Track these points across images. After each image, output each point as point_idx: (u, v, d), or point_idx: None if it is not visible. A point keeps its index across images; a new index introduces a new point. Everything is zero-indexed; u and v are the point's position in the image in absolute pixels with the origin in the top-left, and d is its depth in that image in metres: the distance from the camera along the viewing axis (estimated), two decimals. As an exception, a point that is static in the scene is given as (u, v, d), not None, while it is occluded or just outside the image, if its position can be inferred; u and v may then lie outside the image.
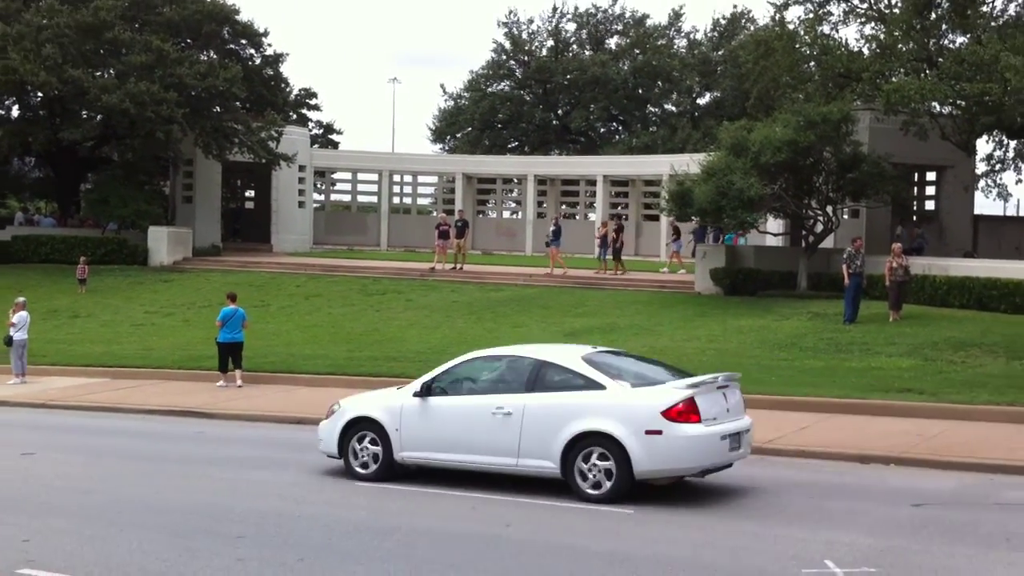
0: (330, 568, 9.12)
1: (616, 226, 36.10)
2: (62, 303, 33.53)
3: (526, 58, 66.43)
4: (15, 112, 44.42)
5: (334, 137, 62.81)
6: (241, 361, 22.21)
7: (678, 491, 12.27)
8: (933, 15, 31.58)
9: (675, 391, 11.74)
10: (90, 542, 9.98)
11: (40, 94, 42.24)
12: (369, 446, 13.13)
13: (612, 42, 68.16)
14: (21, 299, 24.24)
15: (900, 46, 30.80)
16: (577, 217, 51.28)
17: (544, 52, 66.74)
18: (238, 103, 44.55)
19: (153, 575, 8.96)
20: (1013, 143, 33.97)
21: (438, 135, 69.76)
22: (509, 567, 9.20)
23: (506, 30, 66.64)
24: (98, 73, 41.46)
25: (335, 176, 53.01)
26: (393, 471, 12.95)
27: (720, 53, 63.81)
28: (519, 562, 9.34)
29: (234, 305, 22.59)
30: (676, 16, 67.27)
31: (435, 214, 49.42)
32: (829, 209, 30.22)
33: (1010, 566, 9.19)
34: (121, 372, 23.66)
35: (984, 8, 31.73)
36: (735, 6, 78.94)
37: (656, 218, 43.15)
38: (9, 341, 23.24)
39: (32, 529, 10.47)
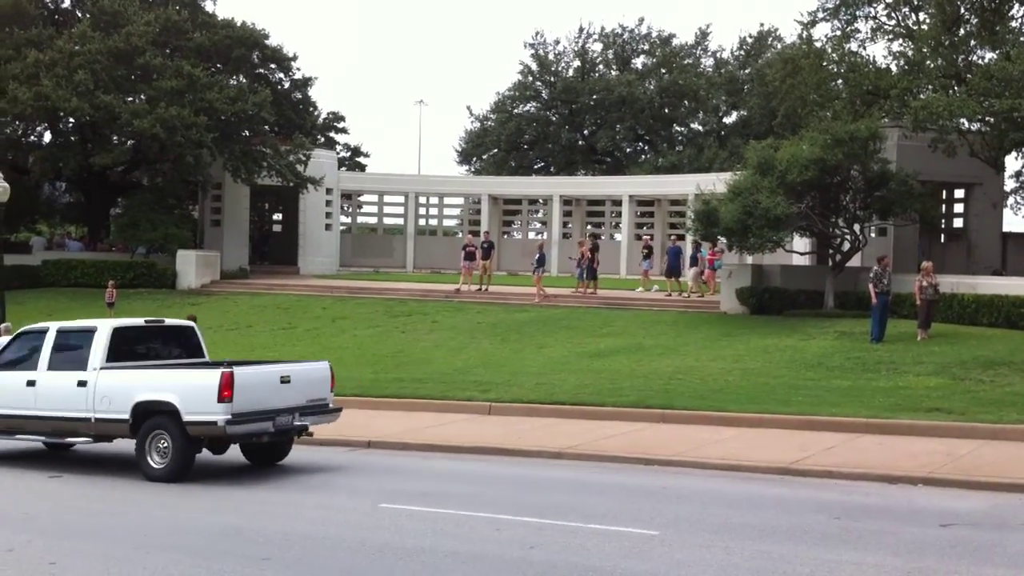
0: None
1: (591, 245, 36.05)
2: (92, 326, 33.74)
3: (552, 79, 66.61)
4: (47, 138, 45.02)
5: (361, 159, 63.26)
6: None
7: (699, 514, 12.20)
8: (961, 31, 31.48)
9: None
10: (116, 564, 10.03)
11: (72, 120, 42.79)
12: None
13: (638, 62, 68.27)
14: (5, 324, 24.49)
15: (928, 63, 30.70)
16: (603, 237, 51.25)
17: (570, 73, 66.92)
18: (267, 127, 44.97)
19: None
20: (1042, 159, 33.76)
21: (464, 157, 70.00)
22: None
23: (532, 51, 66.93)
24: (129, 98, 41.99)
25: (362, 199, 53.31)
26: None
27: (747, 71, 63.77)
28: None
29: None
30: (703, 35, 67.38)
31: (461, 235, 49.56)
32: (856, 227, 30.05)
33: (1039, 588, 9.07)
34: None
35: (1013, 23, 31.60)
36: (762, 24, 79.30)
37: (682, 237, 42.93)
38: None
39: (60, 551, 10.54)
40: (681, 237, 40.17)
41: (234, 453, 16.15)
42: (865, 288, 29.59)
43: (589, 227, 50.87)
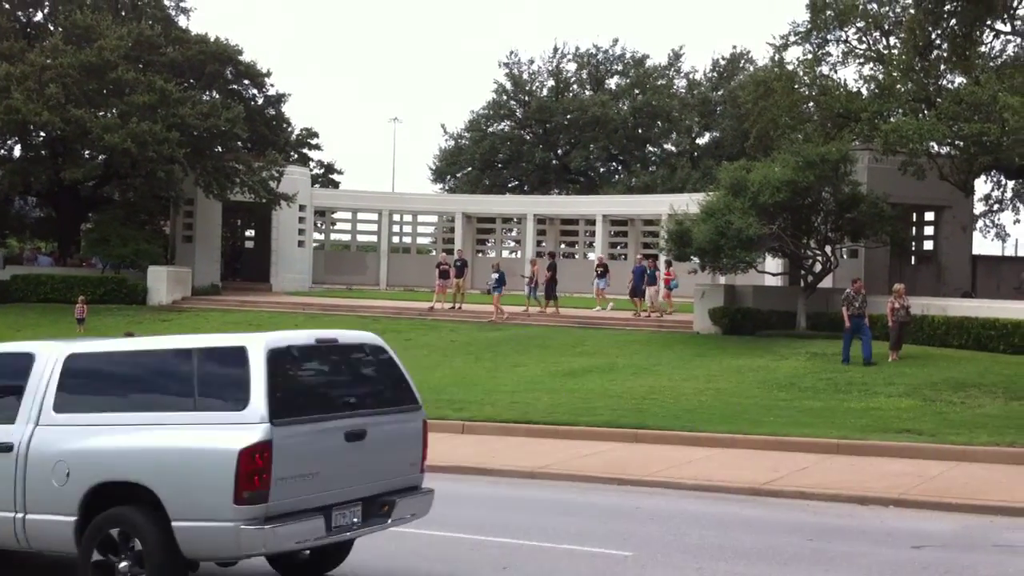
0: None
1: (549, 264, 36.12)
2: (61, 342, 33.45)
3: (527, 98, 66.87)
4: (17, 151, 44.64)
5: (335, 176, 63.12)
6: None
7: (672, 534, 12.20)
8: (932, 55, 31.84)
9: None
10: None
11: (43, 134, 42.47)
12: None
13: (612, 82, 68.63)
14: None
15: (899, 86, 31.03)
16: (576, 256, 51.34)
17: (545, 92, 67.20)
18: (240, 143, 44.81)
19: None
20: (1011, 183, 34.20)
21: (438, 175, 70.04)
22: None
23: (507, 70, 67.18)
24: (101, 113, 41.73)
25: (335, 215, 53.18)
26: None
27: (719, 93, 64.23)
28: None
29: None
30: (676, 56, 67.80)
31: (434, 253, 49.51)
32: (828, 249, 30.27)
33: (1010, 610, 9.12)
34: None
35: (983, 48, 31.99)
36: (734, 46, 79.79)
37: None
38: None
39: None
40: (654, 256, 40.33)
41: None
42: (837, 309, 29.80)
43: (563, 246, 50.96)
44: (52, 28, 46.47)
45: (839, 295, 31.16)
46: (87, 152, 43.22)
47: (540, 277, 35.15)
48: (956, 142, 29.15)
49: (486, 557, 11.05)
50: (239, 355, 8.50)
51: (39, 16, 48.60)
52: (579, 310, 35.76)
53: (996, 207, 35.34)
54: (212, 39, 45.67)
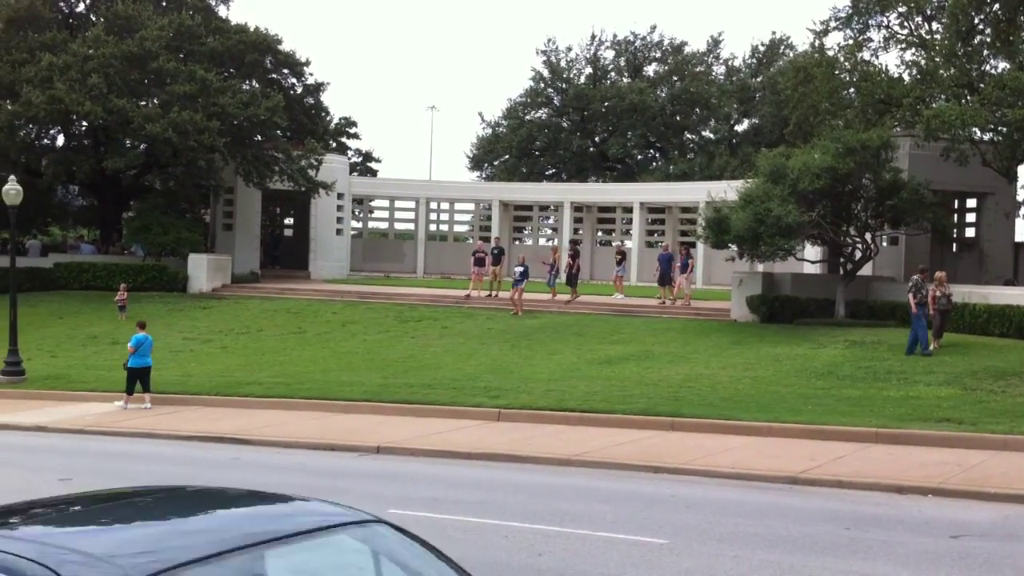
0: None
1: (572, 252, 35.95)
2: (102, 329, 33.92)
3: (564, 85, 66.68)
4: (60, 141, 45.18)
5: (372, 165, 63.39)
6: (149, 384, 23.48)
7: (708, 523, 12.18)
8: (975, 40, 31.41)
9: None
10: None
11: (85, 123, 42.91)
12: None
13: (650, 69, 68.32)
14: None
15: (941, 72, 30.63)
16: (613, 244, 51.19)
17: (582, 80, 66.98)
18: (279, 132, 45.06)
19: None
20: (1055, 169, 33.62)
21: (475, 163, 70.09)
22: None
23: (544, 58, 67.00)
24: (142, 103, 42.12)
25: (373, 204, 53.37)
26: None
27: (759, 80, 63.76)
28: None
29: (144, 332, 23.92)
30: (714, 43, 67.37)
31: (471, 241, 49.57)
32: (868, 236, 29.98)
33: (1049, 600, 9.04)
34: (159, 398, 23.88)
35: (1026, 33, 31.49)
36: (774, 32, 79.16)
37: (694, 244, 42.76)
38: None
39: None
40: (691, 244, 40.14)
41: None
42: (876, 296, 29.59)
43: (600, 233, 50.82)
44: (94, 19, 46.89)
45: (878, 283, 30.95)
46: (129, 141, 43.64)
47: (561, 265, 35.13)
48: (999, 128, 28.79)
49: (521, 543, 11.09)
50: None
51: (81, 7, 49.08)
52: (611, 297, 35.66)
53: (1040, 194, 34.89)
54: (252, 29, 45.90)
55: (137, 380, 23.42)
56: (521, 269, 33.56)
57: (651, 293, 36.27)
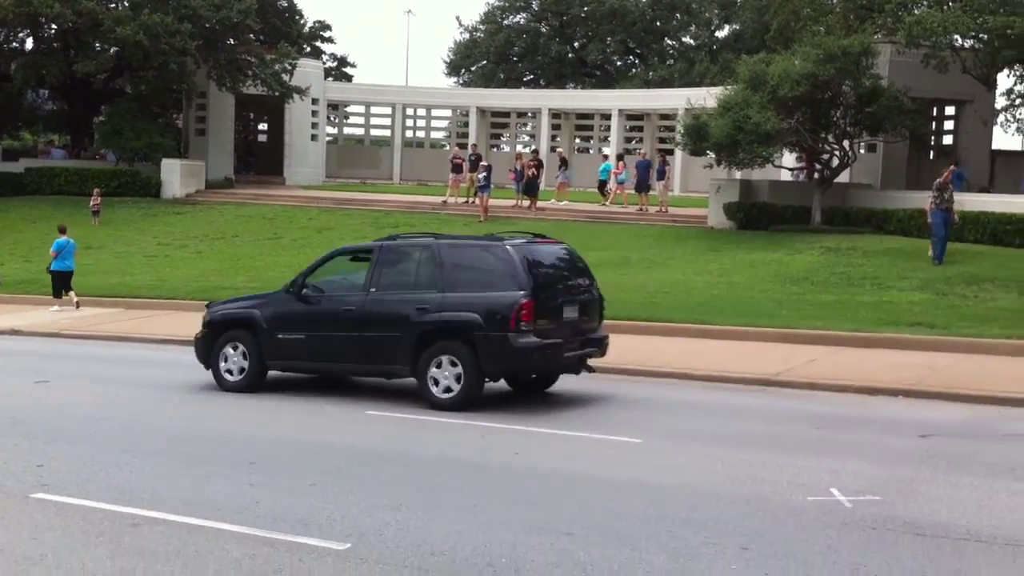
0: (339, 490, 9.19)
1: (535, 161, 35.85)
2: (75, 234, 33.15)
3: (542, -11, 65.65)
4: (29, 44, 44.25)
5: (348, 70, 62.57)
6: (70, 286, 24.11)
7: (682, 423, 12.35)
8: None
9: None
10: (104, 468, 10.06)
11: (54, 26, 42.02)
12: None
13: (630, -27, 67.21)
14: None
15: (923, -23, 30.28)
16: (591, 151, 50.98)
17: (561, -17, 65.91)
18: (252, 35, 44.28)
19: (166, 499, 9.04)
20: (1034, 77, 33.48)
21: (453, 68, 69.27)
22: (523, 492, 9.23)
23: (523, -40, 65.80)
24: (112, 4, 41.21)
25: (348, 110, 52.82)
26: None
27: (740, -16, 62.89)
28: (532, 487, 9.38)
29: (66, 237, 24.59)
30: (695, -54, 66.20)
31: (448, 148, 49.21)
32: (846, 143, 29.94)
33: (1014, 495, 9.22)
34: (134, 303, 23.86)
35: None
36: (755, -63, 77.56)
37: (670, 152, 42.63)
38: None
39: (46, 455, 10.58)
40: (668, 152, 39.96)
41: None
42: (852, 204, 29.62)
43: (578, 140, 50.56)
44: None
45: (855, 190, 30.97)
46: (99, 44, 42.78)
47: (527, 172, 35.03)
48: (980, 35, 28.57)
49: (497, 443, 11.21)
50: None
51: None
52: (591, 204, 35.60)
53: (1018, 101, 34.66)
54: (223, -73, 44.73)
55: (61, 283, 24.06)
56: (484, 175, 33.49)
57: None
